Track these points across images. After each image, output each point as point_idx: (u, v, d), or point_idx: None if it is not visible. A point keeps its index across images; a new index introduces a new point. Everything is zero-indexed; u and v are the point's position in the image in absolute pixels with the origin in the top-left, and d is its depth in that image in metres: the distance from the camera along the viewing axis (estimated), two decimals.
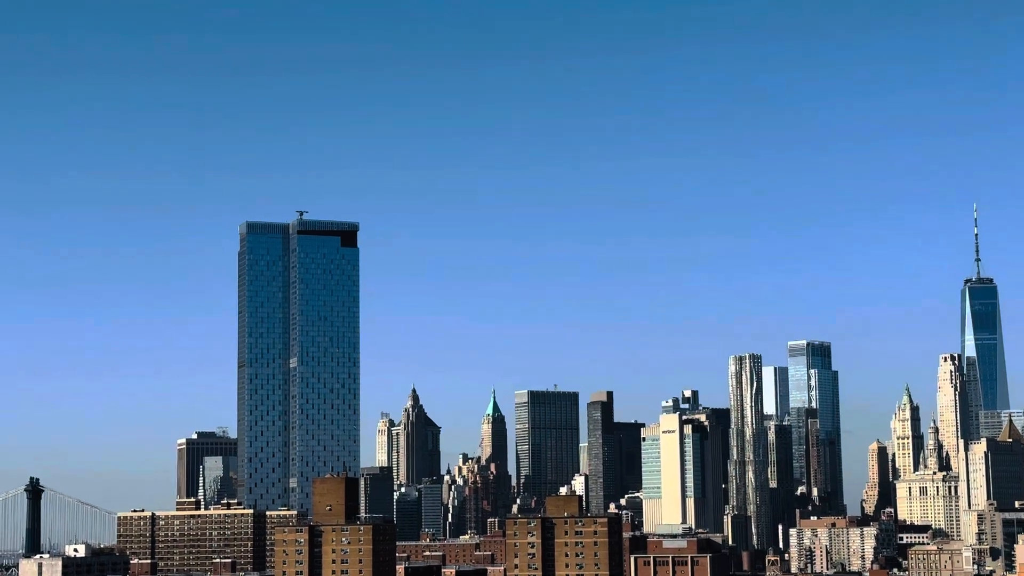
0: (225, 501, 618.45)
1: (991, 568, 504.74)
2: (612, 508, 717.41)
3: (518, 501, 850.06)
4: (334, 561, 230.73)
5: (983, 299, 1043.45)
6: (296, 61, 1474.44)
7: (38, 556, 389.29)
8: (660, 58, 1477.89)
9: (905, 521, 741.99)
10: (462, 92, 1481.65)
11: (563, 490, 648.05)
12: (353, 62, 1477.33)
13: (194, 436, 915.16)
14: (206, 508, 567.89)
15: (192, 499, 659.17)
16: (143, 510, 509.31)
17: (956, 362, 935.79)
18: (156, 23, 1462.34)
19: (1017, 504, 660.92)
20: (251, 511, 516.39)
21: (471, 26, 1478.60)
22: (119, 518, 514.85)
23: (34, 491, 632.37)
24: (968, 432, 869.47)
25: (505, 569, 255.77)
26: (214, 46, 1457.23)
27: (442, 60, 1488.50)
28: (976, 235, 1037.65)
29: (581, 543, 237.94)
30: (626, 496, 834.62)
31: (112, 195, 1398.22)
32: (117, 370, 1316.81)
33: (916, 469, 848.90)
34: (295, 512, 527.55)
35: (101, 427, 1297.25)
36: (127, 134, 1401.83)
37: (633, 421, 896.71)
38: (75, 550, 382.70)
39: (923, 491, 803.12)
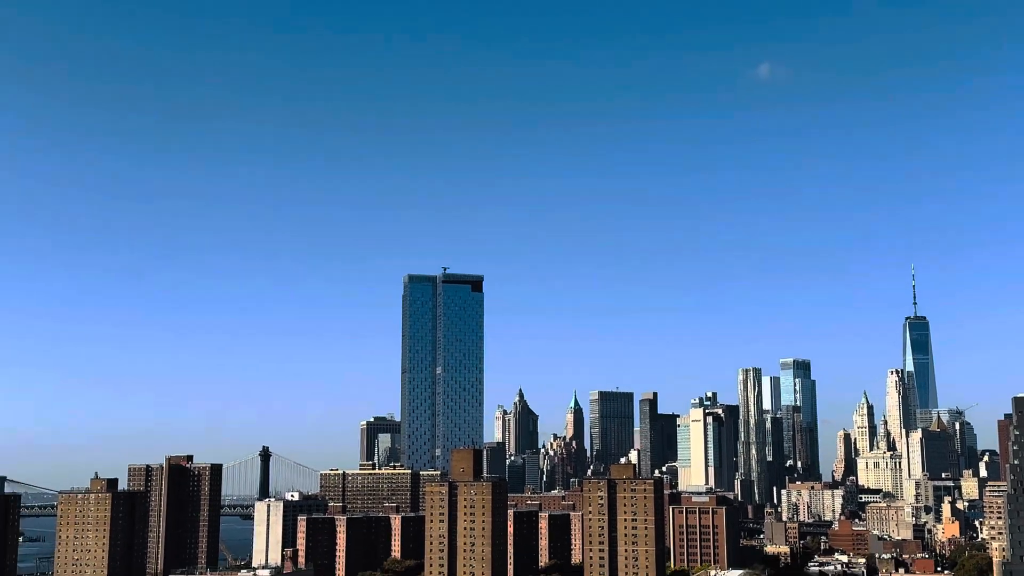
0: (392, 464, 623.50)
1: (924, 520, 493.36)
2: (656, 473, 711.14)
3: (591, 467, 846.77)
4: (465, 507, 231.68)
5: (919, 331, 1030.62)
6: (433, 151, 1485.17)
7: (267, 500, 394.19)
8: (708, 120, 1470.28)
9: (864, 486, 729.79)
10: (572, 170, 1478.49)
11: (623, 460, 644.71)
12: (485, 144, 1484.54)
13: (372, 419, 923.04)
14: (379, 469, 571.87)
15: (370, 463, 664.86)
16: (337, 469, 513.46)
17: (900, 375, 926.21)
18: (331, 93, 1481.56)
19: (943, 475, 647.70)
20: (409, 472, 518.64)
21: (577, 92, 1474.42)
22: (321, 475, 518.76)
23: (265, 455, 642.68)
24: (908, 424, 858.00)
25: (583, 515, 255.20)
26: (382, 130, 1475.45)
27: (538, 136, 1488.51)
28: (914, 286, 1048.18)
29: (635, 497, 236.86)
30: (666, 465, 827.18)
31: (316, 249, 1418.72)
32: (322, 373, 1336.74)
33: (871, 449, 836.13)
34: (439, 472, 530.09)
35: (312, 412, 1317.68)
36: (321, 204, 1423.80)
37: (671, 413, 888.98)
38: (292, 496, 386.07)
39: (876, 465, 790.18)
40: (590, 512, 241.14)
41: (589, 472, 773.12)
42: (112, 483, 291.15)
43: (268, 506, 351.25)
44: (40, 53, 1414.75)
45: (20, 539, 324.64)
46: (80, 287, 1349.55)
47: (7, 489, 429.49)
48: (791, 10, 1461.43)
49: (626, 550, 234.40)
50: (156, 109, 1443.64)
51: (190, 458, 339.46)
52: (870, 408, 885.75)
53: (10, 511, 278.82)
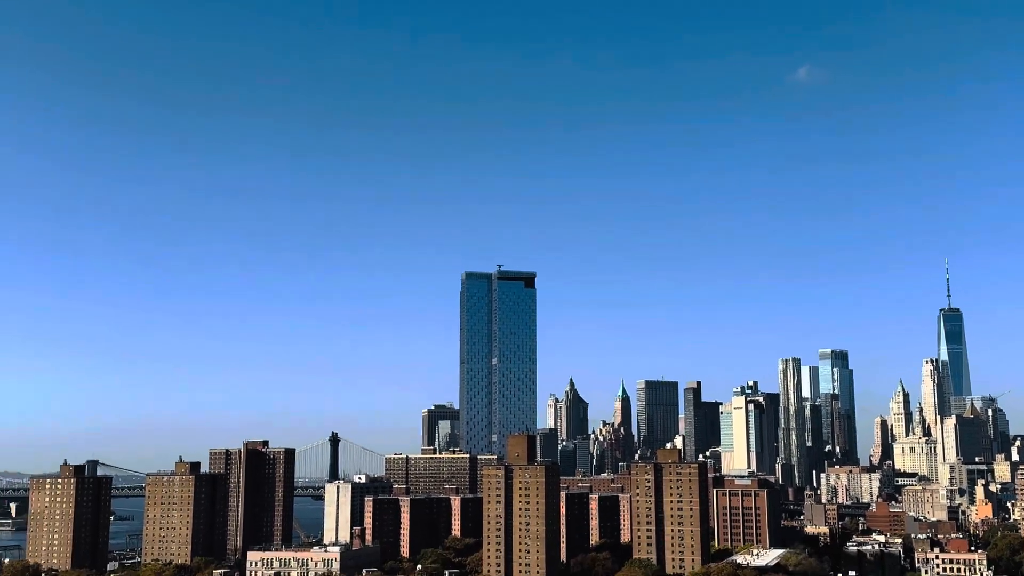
0: (452, 449, 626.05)
1: (959, 502, 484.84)
2: (700, 458, 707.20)
3: (638, 452, 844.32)
4: (520, 489, 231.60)
5: (952, 322, 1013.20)
6: (492, 151, 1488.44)
7: (336, 482, 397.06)
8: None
9: (900, 470, 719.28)
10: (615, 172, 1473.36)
11: (668, 446, 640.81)
12: (527, 144, 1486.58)
13: (432, 407, 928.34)
14: (440, 453, 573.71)
15: (431, 447, 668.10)
16: (401, 454, 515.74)
17: (934, 364, 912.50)
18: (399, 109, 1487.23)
19: (976, 459, 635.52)
20: (468, 456, 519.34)
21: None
22: (386, 459, 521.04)
23: (334, 440, 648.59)
24: (943, 410, 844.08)
25: (631, 496, 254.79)
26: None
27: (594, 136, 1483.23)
28: (947, 280, 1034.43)
29: (680, 481, 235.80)
30: (710, 450, 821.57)
31: (379, 247, 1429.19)
32: (386, 364, 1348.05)
33: (907, 435, 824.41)
34: (496, 456, 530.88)
35: (377, 401, 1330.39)
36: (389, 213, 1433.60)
37: (714, 401, 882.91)
38: (359, 478, 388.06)
39: (912, 450, 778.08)
40: (638, 494, 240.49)
41: (636, 456, 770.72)
42: (195, 466, 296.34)
43: (338, 488, 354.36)
44: (67, 45, 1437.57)
45: (111, 518, 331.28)
46: (162, 281, 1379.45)
47: (99, 471, 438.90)
48: (830, 15, 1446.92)
49: (672, 530, 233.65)
50: (216, 107, 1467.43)
51: (266, 443, 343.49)
52: (906, 396, 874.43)
53: (102, 492, 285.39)
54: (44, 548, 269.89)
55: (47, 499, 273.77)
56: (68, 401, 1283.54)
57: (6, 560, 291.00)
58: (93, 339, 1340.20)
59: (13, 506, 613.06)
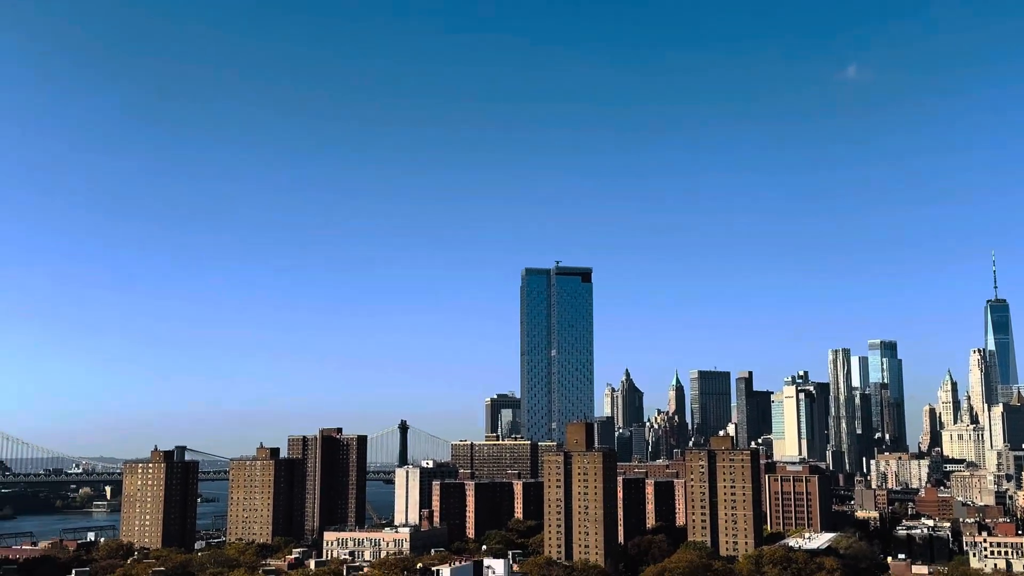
0: (514, 436, 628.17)
1: (1006, 487, 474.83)
2: (752, 445, 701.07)
3: (692, 439, 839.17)
4: (579, 474, 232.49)
5: (999, 313, 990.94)
6: (553, 151, 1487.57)
7: (406, 467, 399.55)
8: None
9: (948, 456, 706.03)
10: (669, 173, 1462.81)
11: (721, 433, 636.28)
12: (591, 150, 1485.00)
13: (495, 397, 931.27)
14: (502, 440, 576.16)
15: (495, 434, 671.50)
16: (466, 440, 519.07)
17: (981, 354, 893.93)
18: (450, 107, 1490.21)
19: (1023, 446, 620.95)
20: (529, 443, 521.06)
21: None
22: (452, 445, 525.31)
23: (403, 428, 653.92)
24: (990, 399, 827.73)
25: (685, 482, 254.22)
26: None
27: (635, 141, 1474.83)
28: (994, 272, 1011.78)
29: (733, 466, 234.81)
30: (761, 438, 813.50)
31: (443, 245, 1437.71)
32: (452, 356, 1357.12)
33: (955, 422, 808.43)
34: (555, 443, 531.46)
35: (444, 390, 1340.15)
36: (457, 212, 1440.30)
37: (766, 390, 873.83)
38: (427, 463, 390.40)
39: (960, 437, 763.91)
40: (692, 479, 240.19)
41: (690, 444, 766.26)
42: (274, 452, 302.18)
43: (407, 472, 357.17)
44: (92, 33, 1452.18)
45: (198, 500, 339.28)
46: (244, 280, 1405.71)
47: (187, 457, 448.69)
48: (878, 13, 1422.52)
49: (725, 514, 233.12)
50: (296, 109, 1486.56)
51: (340, 430, 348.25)
52: (954, 384, 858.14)
53: (190, 476, 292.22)
54: (137, 528, 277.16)
55: (139, 483, 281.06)
56: (157, 392, 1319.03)
57: (102, 539, 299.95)
58: (179, 335, 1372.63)
59: (108, 489, 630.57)
